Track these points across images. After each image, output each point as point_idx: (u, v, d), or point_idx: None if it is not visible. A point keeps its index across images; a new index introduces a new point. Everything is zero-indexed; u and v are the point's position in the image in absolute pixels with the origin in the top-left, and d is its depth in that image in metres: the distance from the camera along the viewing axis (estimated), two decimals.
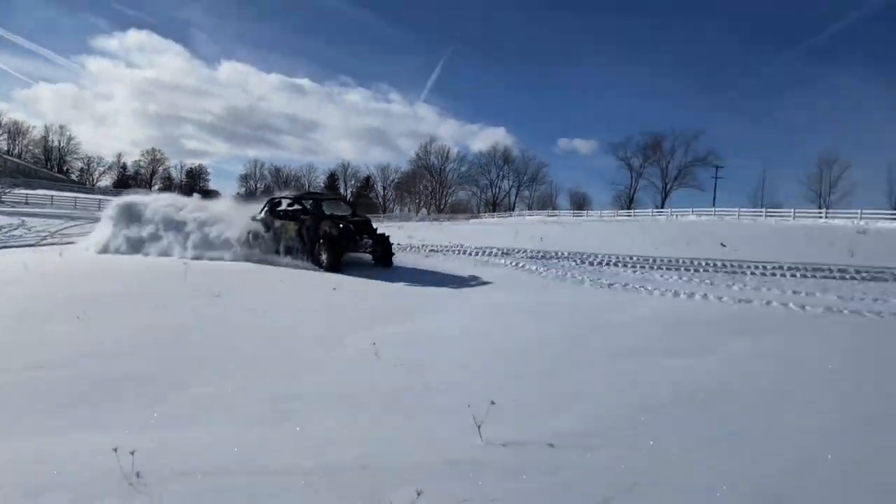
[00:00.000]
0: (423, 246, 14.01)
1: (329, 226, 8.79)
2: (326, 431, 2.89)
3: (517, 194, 58.30)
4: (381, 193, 63.38)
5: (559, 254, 11.92)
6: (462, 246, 13.49)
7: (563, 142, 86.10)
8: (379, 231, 9.98)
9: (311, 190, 52.65)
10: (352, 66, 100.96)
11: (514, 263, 10.96)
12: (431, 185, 59.33)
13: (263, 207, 10.43)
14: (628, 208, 48.10)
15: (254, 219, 10.39)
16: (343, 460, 2.52)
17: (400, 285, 8.31)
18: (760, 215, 32.00)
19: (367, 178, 65.40)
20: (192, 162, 74.22)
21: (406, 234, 17.69)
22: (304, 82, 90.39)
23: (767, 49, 70.30)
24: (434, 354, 4.66)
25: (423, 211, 52.86)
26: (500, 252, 12.42)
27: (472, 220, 38.86)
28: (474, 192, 59.64)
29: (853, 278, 8.88)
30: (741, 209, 34.77)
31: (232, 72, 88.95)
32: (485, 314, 6.45)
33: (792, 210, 32.35)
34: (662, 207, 46.22)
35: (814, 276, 9.06)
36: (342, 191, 62.19)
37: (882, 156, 72.95)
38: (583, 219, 36.68)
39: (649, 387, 3.86)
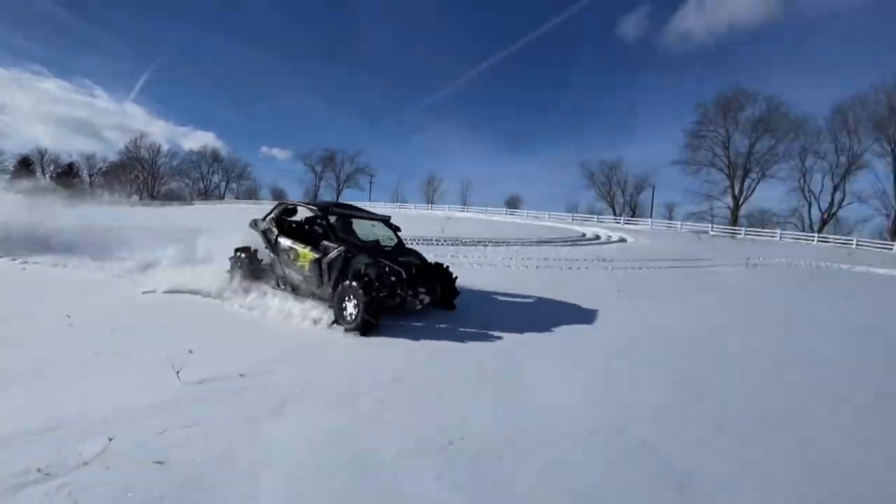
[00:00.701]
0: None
1: (367, 264, 4.93)
2: (15, 401, 2.63)
3: (227, 186, 62.48)
4: (88, 180, 60.19)
5: None
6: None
7: (265, 149, 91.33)
8: (434, 261, 6.07)
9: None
10: (46, 57, 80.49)
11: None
12: (143, 176, 58.98)
13: (269, 214, 6.07)
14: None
15: (254, 225, 6.13)
16: (31, 426, 2.33)
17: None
18: (397, 207, 41.76)
19: (71, 165, 59.68)
20: None
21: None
22: None
23: (402, 101, 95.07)
24: (135, 321, 4.48)
25: (136, 197, 53.06)
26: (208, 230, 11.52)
27: (186, 207, 38.38)
28: (187, 183, 62.15)
29: (443, 244, 12.70)
30: (386, 203, 44.90)
31: None
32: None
33: (414, 204, 44.25)
34: (337, 201, 52.34)
35: (424, 244, 12.54)
36: (39, 175, 54.72)
37: (460, 174, 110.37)
38: None
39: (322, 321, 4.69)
